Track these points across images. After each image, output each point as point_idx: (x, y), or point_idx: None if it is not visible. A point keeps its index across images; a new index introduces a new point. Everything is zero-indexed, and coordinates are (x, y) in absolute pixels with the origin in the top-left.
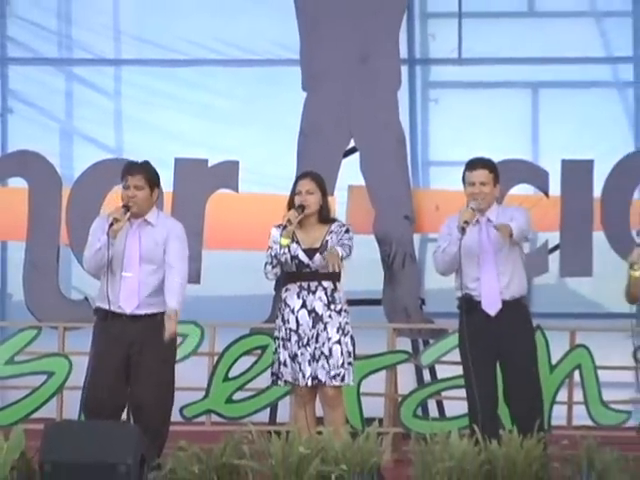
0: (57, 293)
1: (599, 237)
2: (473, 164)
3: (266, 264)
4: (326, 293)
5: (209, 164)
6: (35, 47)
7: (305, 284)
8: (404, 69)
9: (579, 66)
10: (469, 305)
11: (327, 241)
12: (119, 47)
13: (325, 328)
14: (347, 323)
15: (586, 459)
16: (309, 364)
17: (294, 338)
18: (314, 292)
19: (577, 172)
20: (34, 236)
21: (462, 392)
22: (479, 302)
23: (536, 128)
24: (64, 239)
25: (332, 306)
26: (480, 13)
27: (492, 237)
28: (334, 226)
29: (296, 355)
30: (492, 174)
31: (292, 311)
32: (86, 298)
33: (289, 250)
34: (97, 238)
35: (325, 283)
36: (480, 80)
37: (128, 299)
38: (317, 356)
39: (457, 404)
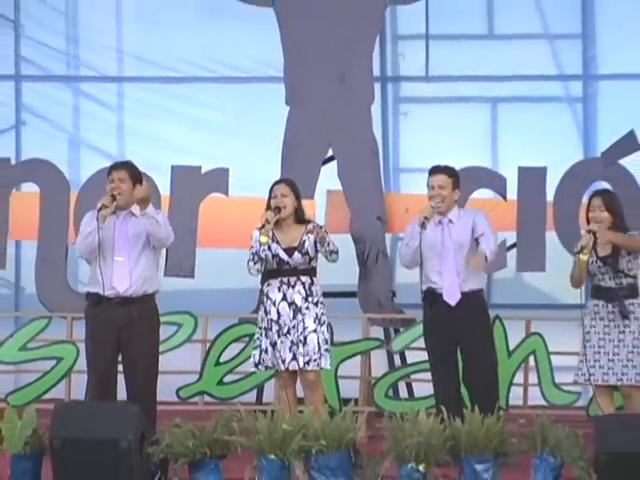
0: (65, 286)
1: (551, 236)
2: (434, 170)
3: (249, 261)
4: (304, 287)
5: (202, 171)
6: (46, 66)
7: (285, 279)
8: (377, 86)
9: (534, 83)
10: (432, 297)
11: (305, 241)
12: (121, 66)
13: (303, 318)
14: (323, 314)
15: (540, 435)
16: (289, 351)
17: (275, 328)
18: (293, 286)
19: (532, 178)
20: (45, 236)
21: (429, 375)
22: (441, 294)
23: (495, 138)
24: (72, 238)
25: (310, 298)
26: (445, 35)
27: (453, 236)
28: (310, 226)
29: (276, 343)
30: (451, 179)
31: (273, 303)
32: None
33: (269, 248)
34: (88, 224)
35: (303, 278)
36: (445, 96)
37: (121, 280)
38: (296, 343)
39: (424, 386)
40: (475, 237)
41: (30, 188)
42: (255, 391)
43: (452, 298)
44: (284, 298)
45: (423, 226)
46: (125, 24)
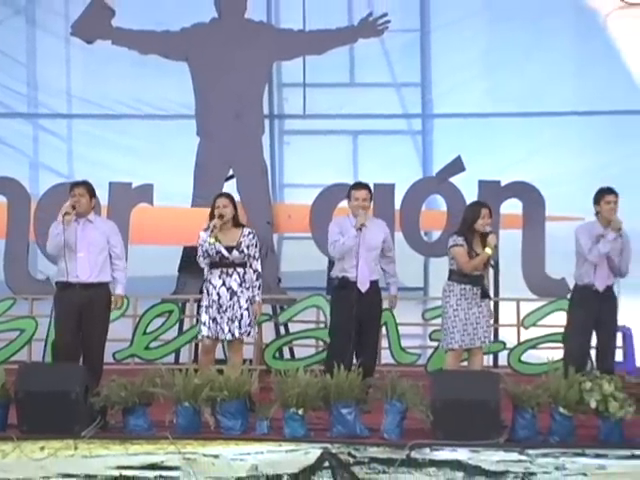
0: (27, 275)
1: (399, 236)
2: (358, 186)
3: (199, 257)
4: (239, 276)
5: (132, 186)
6: (11, 105)
7: (225, 269)
8: (267, 122)
9: (384, 120)
10: (345, 283)
11: (241, 242)
12: (70, 105)
13: (238, 300)
14: (254, 294)
15: (390, 387)
16: (227, 324)
17: (215, 306)
18: (231, 275)
19: (384, 192)
20: (11, 236)
21: (307, 341)
22: (354, 282)
23: (356, 162)
24: (32, 237)
25: (243, 284)
26: (318, 83)
27: (367, 239)
28: (246, 231)
29: (216, 318)
30: (370, 193)
31: (215, 287)
32: (48, 278)
33: (215, 246)
34: (55, 229)
35: (239, 269)
36: (318, 129)
37: (83, 270)
38: (233, 319)
39: (302, 349)
40: (383, 244)
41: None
42: (173, 354)
43: (364, 286)
44: (223, 284)
45: (360, 230)
46: (73, 73)
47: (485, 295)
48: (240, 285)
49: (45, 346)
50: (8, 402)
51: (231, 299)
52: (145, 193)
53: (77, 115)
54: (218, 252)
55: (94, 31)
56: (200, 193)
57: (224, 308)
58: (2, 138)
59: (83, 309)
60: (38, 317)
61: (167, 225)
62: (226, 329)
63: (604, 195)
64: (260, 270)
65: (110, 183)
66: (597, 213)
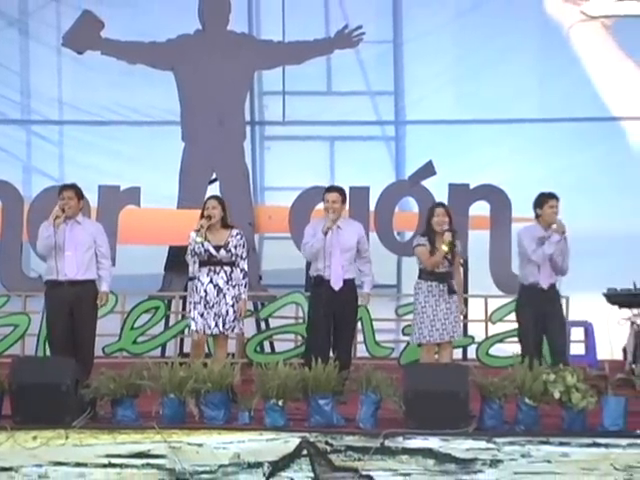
0: (20, 273)
1: (373, 236)
2: (330, 189)
3: (187, 255)
4: (226, 274)
5: (121, 189)
6: (5, 112)
7: (212, 268)
8: (248, 128)
9: (360, 126)
10: (320, 281)
11: (229, 242)
12: (61, 112)
13: (225, 297)
14: (240, 293)
15: (365, 379)
16: (213, 320)
17: (203, 302)
18: (218, 273)
19: (359, 195)
20: (5, 236)
21: (287, 336)
22: (328, 280)
23: (333, 166)
24: (25, 238)
25: (229, 282)
26: (296, 92)
27: (341, 240)
28: (234, 232)
29: (204, 313)
30: (341, 197)
31: (202, 285)
32: (40, 276)
33: (203, 245)
34: (45, 230)
35: (226, 267)
36: (297, 135)
37: (70, 268)
38: (219, 315)
39: (282, 344)
40: (357, 245)
41: None
42: (160, 348)
43: (337, 284)
44: (210, 281)
45: (326, 234)
46: (64, 82)
47: (452, 291)
48: (227, 283)
49: (37, 341)
50: (2, 394)
51: (217, 296)
52: (133, 195)
53: (68, 121)
54: (206, 250)
55: (84, 42)
56: (185, 195)
57: (211, 304)
58: None
59: (73, 305)
60: (31, 313)
61: (154, 226)
62: (212, 324)
63: (547, 199)
64: (247, 269)
65: (99, 186)
66: (538, 216)
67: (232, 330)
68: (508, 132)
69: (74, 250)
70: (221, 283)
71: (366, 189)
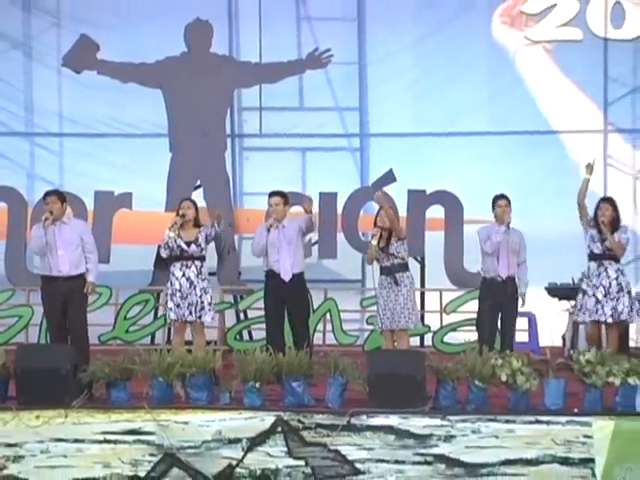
0: (25, 269)
1: (340, 236)
2: (272, 194)
3: (160, 247)
4: (197, 268)
5: (115, 194)
6: (10, 125)
7: (185, 262)
8: (229, 140)
9: (328, 139)
10: (272, 275)
11: (198, 237)
12: (61, 126)
13: (195, 288)
14: (208, 286)
15: (333, 363)
16: (187, 309)
17: (178, 294)
18: (189, 267)
19: (328, 200)
20: (11, 237)
21: (262, 325)
22: (279, 273)
23: (304, 174)
24: (29, 238)
25: (200, 276)
26: (272, 107)
27: (286, 236)
28: (202, 227)
29: (179, 304)
30: (282, 199)
31: (176, 278)
32: None
33: (175, 241)
34: (37, 231)
35: (197, 262)
36: (272, 146)
37: (64, 265)
38: (192, 304)
39: (259, 332)
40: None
41: (1, 205)
42: (149, 337)
43: (286, 276)
44: (183, 275)
45: (269, 231)
46: (64, 98)
47: (396, 283)
48: (197, 276)
49: (40, 330)
50: (8, 378)
51: (190, 287)
52: (125, 200)
53: (67, 134)
54: (179, 246)
55: (82, 63)
56: (172, 200)
57: (184, 295)
58: (3, 153)
59: (66, 297)
60: (34, 305)
61: (144, 227)
62: (186, 313)
63: (497, 200)
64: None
65: (95, 191)
66: (495, 216)
67: (203, 317)
68: (461, 144)
69: (65, 249)
70: (192, 276)
71: (334, 195)
